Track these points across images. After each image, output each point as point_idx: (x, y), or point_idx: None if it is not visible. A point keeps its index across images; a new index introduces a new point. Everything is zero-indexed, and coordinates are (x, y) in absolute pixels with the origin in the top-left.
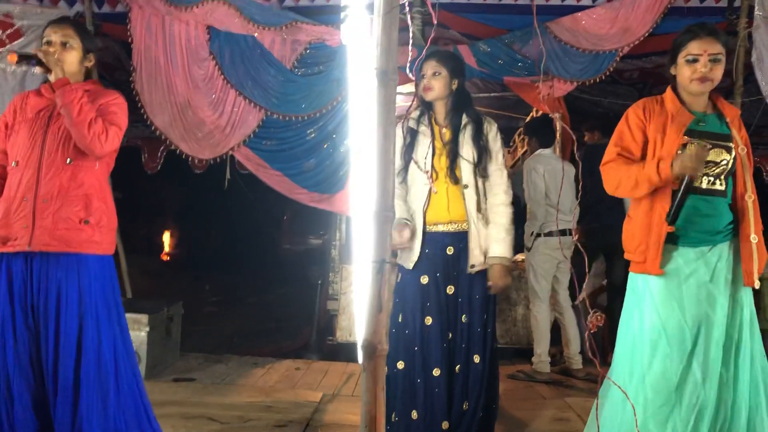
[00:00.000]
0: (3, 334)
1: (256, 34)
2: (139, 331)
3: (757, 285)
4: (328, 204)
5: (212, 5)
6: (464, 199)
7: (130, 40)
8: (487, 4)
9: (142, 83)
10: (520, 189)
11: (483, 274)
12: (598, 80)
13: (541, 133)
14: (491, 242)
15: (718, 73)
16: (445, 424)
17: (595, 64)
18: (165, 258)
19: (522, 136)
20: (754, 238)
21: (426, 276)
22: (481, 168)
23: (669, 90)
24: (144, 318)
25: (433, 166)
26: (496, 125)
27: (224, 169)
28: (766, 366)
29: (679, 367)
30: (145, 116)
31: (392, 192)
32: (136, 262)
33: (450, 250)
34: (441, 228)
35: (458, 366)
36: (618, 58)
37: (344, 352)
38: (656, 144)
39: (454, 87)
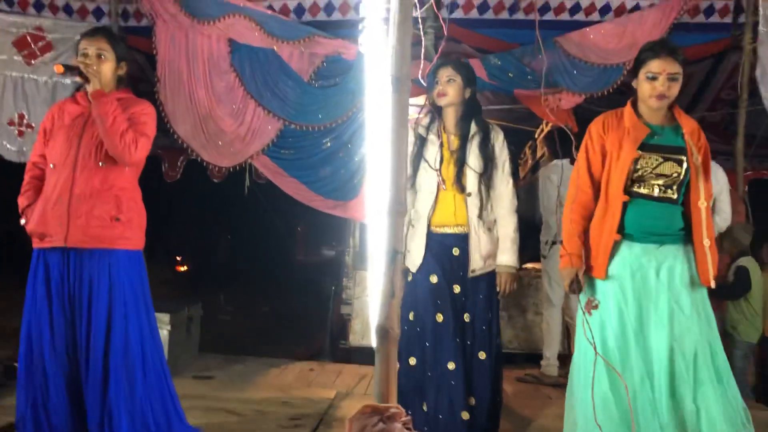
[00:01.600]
0: (40, 324)
1: (275, 48)
2: (160, 329)
3: (713, 284)
4: (343, 210)
5: (234, 19)
6: (466, 206)
7: (154, 52)
8: (498, 19)
9: (165, 94)
10: (532, 200)
11: (485, 276)
12: (606, 93)
13: (554, 143)
14: (499, 251)
15: (675, 90)
16: (465, 415)
17: (603, 78)
18: (180, 268)
19: (533, 146)
20: (707, 241)
21: (435, 275)
22: (486, 177)
23: (629, 104)
24: (165, 317)
25: (440, 173)
26: (502, 134)
27: (240, 180)
28: (725, 359)
29: (622, 351)
30: (168, 125)
31: (405, 188)
32: (151, 271)
33: (456, 251)
34: (447, 230)
35: (468, 364)
36: (626, 72)
37: (357, 356)
38: (612, 157)
39: (466, 95)
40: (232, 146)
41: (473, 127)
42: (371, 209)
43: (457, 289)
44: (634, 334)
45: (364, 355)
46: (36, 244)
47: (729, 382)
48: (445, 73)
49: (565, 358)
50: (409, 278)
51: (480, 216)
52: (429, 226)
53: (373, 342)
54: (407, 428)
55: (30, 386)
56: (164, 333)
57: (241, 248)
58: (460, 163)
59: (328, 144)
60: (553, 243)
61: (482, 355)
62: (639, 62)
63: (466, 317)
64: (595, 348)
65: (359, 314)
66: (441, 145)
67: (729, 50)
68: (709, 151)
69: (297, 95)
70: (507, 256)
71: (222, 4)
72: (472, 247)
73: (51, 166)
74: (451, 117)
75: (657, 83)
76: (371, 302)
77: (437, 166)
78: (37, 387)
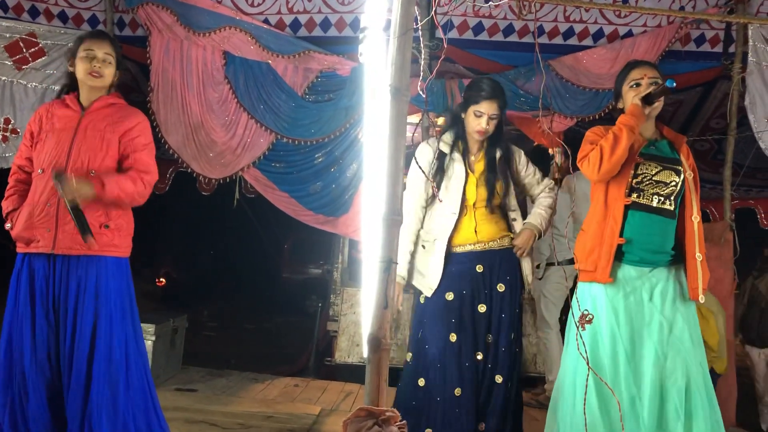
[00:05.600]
0: (21, 329)
1: (270, 61)
2: (144, 339)
3: (702, 299)
4: (333, 226)
5: (229, 32)
6: (512, 227)
7: (148, 62)
8: (492, 41)
9: (158, 104)
10: None
11: (509, 293)
12: (597, 117)
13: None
14: (529, 216)
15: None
16: None
17: (595, 102)
18: (162, 282)
19: None
20: (699, 256)
21: (451, 293)
22: (509, 202)
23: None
24: (150, 327)
25: (464, 195)
26: (521, 151)
27: (229, 194)
28: (710, 380)
29: (612, 373)
30: (159, 135)
31: (401, 198)
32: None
33: (480, 268)
34: (469, 248)
35: (483, 387)
36: None
37: (342, 373)
38: None
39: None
40: (222, 158)
41: (498, 151)
42: (364, 221)
43: (482, 308)
44: (625, 356)
45: (349, 373)
46: (21, 248)
47: (715, 404)
48: (492, 109)
49: None
50: (421, 300)
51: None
52: (449, 246)
53: (365, 352)
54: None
55: (8, 391)
56: (148, 343)
57: (227, 263)
58: (491, 185)
59: (320, 159)
60: (549, 264)
61: (499, 379)
62: (620, 81)
63: (489, 338)
64: (588, 362)
65: (345, 331)
66: (465, 165)
67: (719, 79)
68: (696, 170)
69: (290, 109)
70: (537, 219)
71: (218, 16)
72: (526, 268)
73: (39, 171)
74: (476, 140)
75: (641, 88)
76: (363, 314)
77: (462, 187)
78: (16, 392)
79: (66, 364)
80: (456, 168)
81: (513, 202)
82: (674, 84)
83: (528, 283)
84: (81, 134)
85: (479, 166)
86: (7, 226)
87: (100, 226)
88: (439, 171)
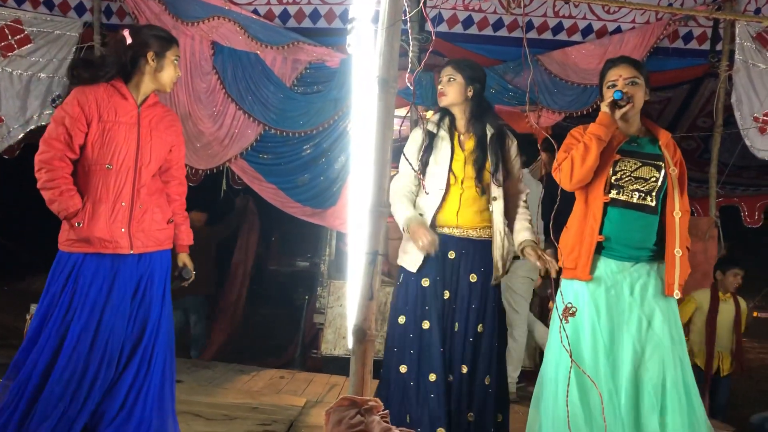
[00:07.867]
0: (74, 334)
1: (258, 52)
2: None
3: (677, 295)
4: (320, 218)
5: (218, 22)
6: (492, 211)
7: None
8: (481, 35)
9: None
10: None
11: (482, 284)
12: (584, 112)
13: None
14: (520, 233)
15: (638, 94)
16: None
17: (583, 97)
18: None
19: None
20: (678, 251)
21: (427, 279)
22: (499, 179)
23: None
24: None
25: (451, 171)
26: (515, 141)
27: (216, 185)
28: (692, 375)
29: (592, 366)
30: None
31: (387, 190)
32: None
33: (451, 255)
34: (446, 231)
35: (451, 376)
36: None
37: (328, 365)
38: None
39: (469, 94)
40: (210, 149)
41: (488, 129)
42: (351, 216)
43: (446, 295)
44: (604, 350)
45: (335, 365)
46: (81, 248)
47: (696, 401)
48: (445, 72)
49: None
50: (400, 280)
51: (503, 221)
52: (434, 224)
53: (350, 343)
54: (385, 421)
55: (21, 396)
56: None
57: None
58: (479, 164)
59: (308, 151)
60: (516, 257)
61: (464, 369)
62: (600, 81)
63: (456, 327)
64: (570, 354)
65: (332, 324)
66: (452, 143)
67: (705, 77)
68: (684, 165)
69: (279, 100)
70: (529, 233)
71: (206, 5)
72: (496, 253)
73: (108, 166)
74: (459, 116)
75: (617, 89)
76: (349, 307)
77: (448, 163)
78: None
79: (133, 350)
80: (443, 145)
81: (500, 178)
82: (621, 96)
83: (495, 276)
84: (145, 133)
85: (470, 144)
86: (77, 224)
87: (166, 223)
88: (428, 150)
